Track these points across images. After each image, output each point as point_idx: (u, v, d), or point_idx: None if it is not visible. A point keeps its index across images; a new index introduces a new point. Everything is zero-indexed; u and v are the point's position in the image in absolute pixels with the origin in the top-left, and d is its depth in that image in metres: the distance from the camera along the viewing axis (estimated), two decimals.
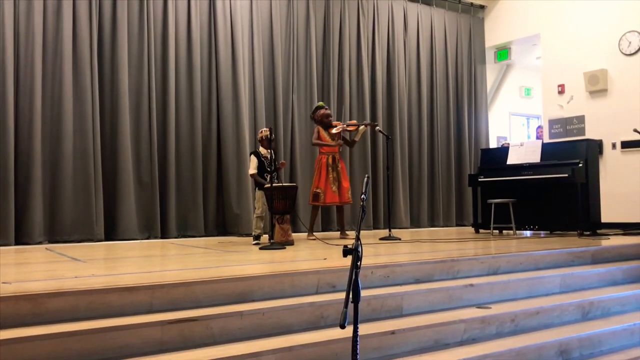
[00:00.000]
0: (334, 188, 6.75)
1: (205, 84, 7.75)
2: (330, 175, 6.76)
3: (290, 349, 2.81)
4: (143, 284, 2.96)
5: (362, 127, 6.95)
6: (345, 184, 6.85)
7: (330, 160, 6.79)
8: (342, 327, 1.91)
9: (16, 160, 6.41)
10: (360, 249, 2.18)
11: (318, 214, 7.18)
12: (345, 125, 6.92)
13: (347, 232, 7.08)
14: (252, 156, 6.34)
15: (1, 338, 2.41)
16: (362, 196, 2.42)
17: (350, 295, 2.11)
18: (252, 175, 6.35)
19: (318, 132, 6.90)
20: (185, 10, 7.61)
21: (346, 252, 2.19)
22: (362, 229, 8.43)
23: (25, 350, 2.43)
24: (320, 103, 7.21)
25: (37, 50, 6.53)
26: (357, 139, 7.08)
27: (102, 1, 7.03)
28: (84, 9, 6.85)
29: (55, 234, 6.61)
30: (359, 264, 2.16)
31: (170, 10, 7.44)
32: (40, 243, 6.42)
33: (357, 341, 2.16)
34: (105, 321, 2.70)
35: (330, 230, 8.45)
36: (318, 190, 6.75)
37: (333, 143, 6.83)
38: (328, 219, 8.57)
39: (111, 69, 7.08)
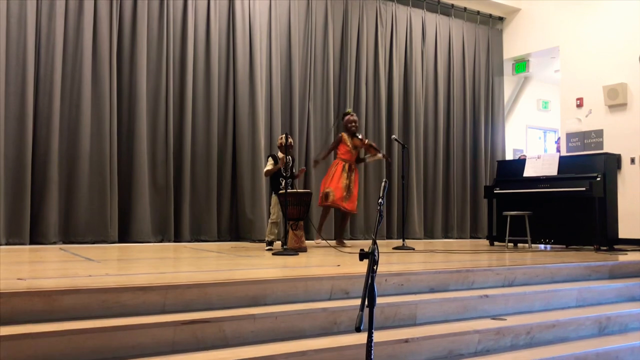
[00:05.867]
0: (345, 193, 6.76)
1: (222, 89, 7.78)
2: (344, 181, 6.76)
3: (303, 353, 2.78)
4: (156, 284, 2.95)
5: (379, 155, 7.04)
6: (355, 193, 6.89)
7: (347, 167, 6.81)
8: (358, 330, 1.88)
9: (33, 161, 6.46)
10: (376, 253, 2.15)
11: (328, 215, 7.12)
12: (367, 141, 6.99)
13: (344, 241, 7.07)
14: (270, 158, 6.35)
15: (14, 333, 2.40)
16: (380, 200, 2.39)
17: (366, 300, 2.08)
18: (266, 173, 6.35)
19: (340, 138, 6.91)
20: (204, 16, 7.66)
21: (362, 255, 2.17)
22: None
23: (38, 346, 2.43)
24: (349, 109, 7.28)
25: (58, 52, 6.60)
26: (368, 161, 7.21)
27: (122, 5, 7.09)
28: (104, 12, 6.91)
29: (69, 235, 6.64)
30: (375, 268, 2.13)
31: (190, 15, 7.49)
32: (54, 243, 6.45)
33: (371, 346, 2.13)
34: (118, 320, 2.69)
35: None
36: (328, 190, 6.73)
37: (347, 149, 6.87)
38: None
39: (130, 72, 7.13)
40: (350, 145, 6.87)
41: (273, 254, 5.40)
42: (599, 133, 8.93)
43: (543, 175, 7.24)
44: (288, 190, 5.74)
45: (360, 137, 6.92)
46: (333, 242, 7.06)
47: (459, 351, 3.30)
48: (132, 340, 2.62)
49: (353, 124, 6.94)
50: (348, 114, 7.04)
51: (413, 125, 9.43)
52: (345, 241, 7.16)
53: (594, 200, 6.79)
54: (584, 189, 6.75)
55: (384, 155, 7.12)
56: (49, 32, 6.60)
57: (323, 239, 6.69)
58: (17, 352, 2.37)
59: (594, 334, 3.97)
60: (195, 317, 2.81)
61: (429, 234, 9.57)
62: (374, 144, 7.07)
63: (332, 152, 7.08)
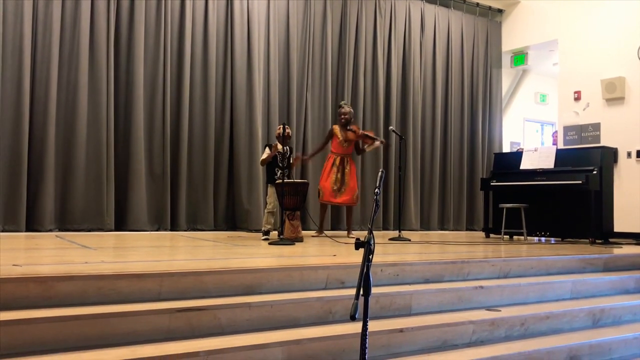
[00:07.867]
0: (335, 188, 6.78)
1: (220, 78, 7.75)
2: (333, 175, 6.78)
3: (297, 342, 2.79)
4: (152, 271, 2.95)
5: (377, 142, 7.01)
6: (351, 184, 6.87)
7: (337, 160, 6.82)
8: (353, 318, 1.89)
9: (30, 148, 6.43)
10: (372, 242, 2.15)
11: (325, 211, 7.17)
12: (361, 132, 6.98)
13: (352, 233, 7.11)
14: (267, 148, 6.34)
15: (10, 319, 2.41)
16: (376, 190, 2.38)
17: (361, 289, 2.08)
18: (261, 162, 6.35)
19: (332, 131, 7.01)
20: (203, 4, 7.61)
21: (358, 244, 2.17)
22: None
23: (34, 331, 2.43)
24: (342, 101, 7.36)
25: (55, 39, 6.56)
26: (368, 150, 7.15)
27: None
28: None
29: (65, 222, 6.63)
30: (370, 257, 2.13)
31: (188, 4, 7.44)
32: (50, 231, 6.45)
33: (366, 335, 2.14)
34: (114, 307, 2.69)
35: (340, 229, 8.42)
36: (319, 187, 6.89)
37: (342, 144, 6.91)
38: (338, 217, 8.54)
39: (127, 60, 7.10)
40: (341, 138, 6.88)
41: (269, 243, 5.41)
42: (596, 126, 8.93)
43: (540, 168, 7.24)
44: (285, 180, 5.74)
45: (353, 128, 6.91)
46: (336, 235, 7.08)
47: (453, 341, 3.32)
48: (127, 327, 2.62)
49: (342, 116, 6.93)
50: (340, 105, 7.06)
51: (411, 116, 9.42)
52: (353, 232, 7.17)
53: (590, 193, 6.80)
54: (580, 182, 6.76)
55: (381, 142, 7.14)
56: (46, 19, 6.55)
57: (321, 235, 6.72)
58: (12, 337, 2.38)
59: (588, 326, 3.99)
60: (191, 305, 2.81)
61: (425, 226, 9.58)
62: (369, 134, 7.05)
63: (329, 145, 7.07)
